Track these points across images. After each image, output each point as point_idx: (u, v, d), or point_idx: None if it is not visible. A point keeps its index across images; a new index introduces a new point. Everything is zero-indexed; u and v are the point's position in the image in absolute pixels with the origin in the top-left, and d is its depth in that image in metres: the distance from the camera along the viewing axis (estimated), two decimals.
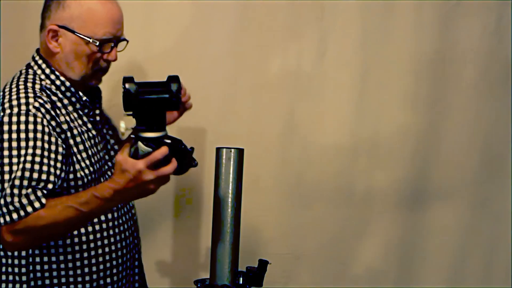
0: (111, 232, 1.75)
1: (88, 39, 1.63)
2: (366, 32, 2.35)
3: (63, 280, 1.68)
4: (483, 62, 2.43)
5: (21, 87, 1.62)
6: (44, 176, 1.54)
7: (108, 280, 1.75)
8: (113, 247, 1.75)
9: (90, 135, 1.71)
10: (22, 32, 2.14)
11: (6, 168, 1.53)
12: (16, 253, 1.67)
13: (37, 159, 1.53)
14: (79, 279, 1.69)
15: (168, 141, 1.48)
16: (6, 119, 1.55)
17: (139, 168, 1.44)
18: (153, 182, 1.46)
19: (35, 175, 1.53)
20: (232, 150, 1.76)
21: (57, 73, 1.68)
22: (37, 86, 1.64)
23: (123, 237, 1.79)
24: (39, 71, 1.69)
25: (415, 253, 2.48)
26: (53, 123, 1.59)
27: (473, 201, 2.49)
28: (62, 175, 1.59)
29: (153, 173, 1.45)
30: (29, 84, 1.64)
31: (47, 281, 1.67)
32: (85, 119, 1.71)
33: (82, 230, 1.69)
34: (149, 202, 2.04)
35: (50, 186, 1.54)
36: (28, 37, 2.14)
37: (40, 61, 1.69)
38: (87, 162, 1.67)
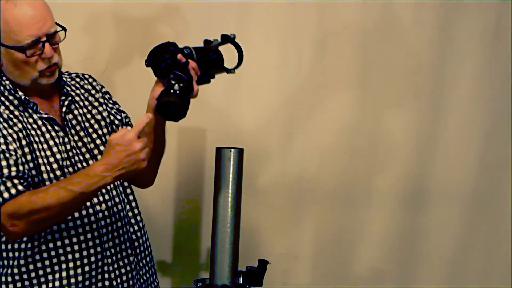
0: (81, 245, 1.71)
1: (15, 48, 1.63)
2: (366, 32, 2.35)
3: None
4: (483, 62, 2.43)
5: None
6: (13, 168, 1.57)
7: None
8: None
9: (39, 132, 1.69)
10: None
11: None
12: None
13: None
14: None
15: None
16: None
17: (129, 137, 1.53)
18: (142, 150, 1.54)
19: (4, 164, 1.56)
20: (232, 150, 1.76)
21: (4, 78, 1.69)
22: None
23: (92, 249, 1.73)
24: None
25: (415, 253, 2.48)
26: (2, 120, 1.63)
27: (473, 201, 2.49)
28: (26, 167, 1.62)
29: (142, 140, 1.54)
30: None
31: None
32: (34, 116, 1.70)
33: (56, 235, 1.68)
34: (149, 202, 2.05)
35: (21, 174, 1.58)
36: None
37: None
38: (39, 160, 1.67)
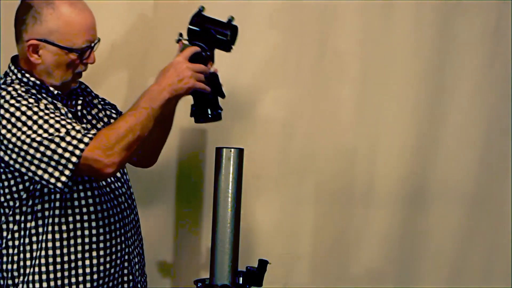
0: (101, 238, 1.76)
1: (68, 49, 1.69)
2: (366, 32, 2.35)
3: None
4: (483, 62, 2.43)
5: (3, 86, 1.68)
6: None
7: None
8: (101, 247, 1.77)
9: None
10: None
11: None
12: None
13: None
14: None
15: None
16: (6, 105, 1.61)
17: (179, 59, 1.70)
18: (189, 68, 1.69)
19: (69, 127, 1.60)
20: (232, 150, 1.76)
21: (27, 75, 1.72)
22: (17, 86, 1.69)
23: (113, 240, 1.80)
24: (18, 75, 1.73)
25: (415, 253, 2.48)
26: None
27: (473, 201, 2.49)
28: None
29: (189, 64, 1.71)
30: (8, 82, 1.71)
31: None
32: (65, 109, 1.74)
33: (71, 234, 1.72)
34: (149, 202, 2.05)
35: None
36: None
37: (15, 70, 1.74)
38: None
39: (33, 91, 1.68)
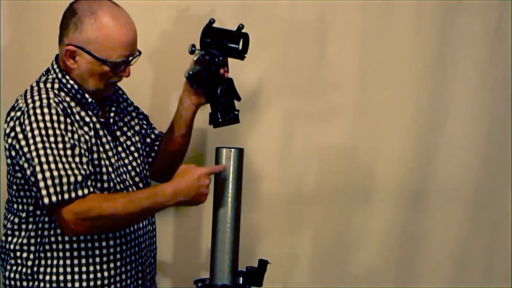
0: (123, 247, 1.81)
1: (103, 61, 1.71)
2: (366, 32, 2.35)
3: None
4: (483, 62, 2.43)
5: (41, 85, 1.72)
6: (85, 166, 1.65)
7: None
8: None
9: (97, 134, 1.76)
10: (22, 32, 2.14)
11: (43, 159, 1.60)
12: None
13: (69, 152, 1.63)
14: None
15: (207, 57, 1.82)
16: (30, 111, 1.63)
17: (201, 172, 1.69)
18: (207, 187, 1.70)
19: (72, 177, 1.61)
20: (232, 150, 1.76)
21: (67, 77, 1.75)
22: (56, 86, 1.73)
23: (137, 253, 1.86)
24: (59, 75, 1.76)
25: (415, 253, 2.48)
26: (68, 119, 1.68)
27: (473, 201, 2.49)
28: (90, 166, 1.69)
29: (209, 179, 1.71)
30: (49, 85, 1.73)
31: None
32: (94, 119, 1.76)
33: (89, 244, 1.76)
34: None
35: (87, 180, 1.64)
36: (28, 37, 2.15)
37: (57, 70, 1.77)
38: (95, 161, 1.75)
39: (65, 103, 1.69)
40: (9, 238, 1.78)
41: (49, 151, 1.60)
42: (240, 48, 1.85)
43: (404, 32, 2.36)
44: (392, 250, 2.46)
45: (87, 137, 1.71)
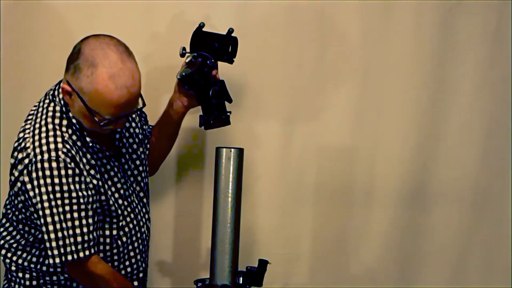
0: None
1: (93, 113, 1.67)
2: (366, 32, 2.34)
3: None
4: (483, 62, 2.43)
5: (50, 125, 1.70)
6: (86, 237, 1.70)
7: None
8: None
9: (104, 170, 1.80)
10: (22, 32, 2.14)
11: (49, 219, 1.66)
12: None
13: (76, 218, 1.68)
14: None
15: (199, 59, 1.82)
16: (38, 165, 1.64)
17: None
18: None
19: (79, 239, 1.69)
20: (232, 150, 1.76)
21: (70, 114, 1.74)
22: (64, 122, 1.72)
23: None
24: (63, 108, 1.74)
25: (415, 253, 2.48)
26: (77, 170, 1.70)
27: (473, 201, 2.49)
28: (96, 219, 1.75)
29: None
30: (57, 121, 1.71)
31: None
32: (100, 155, 1.78)
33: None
34: (150, 202, 2.05)
35: (91, 243, 1.72)
36: (28, 37, 2.15)
37: (63, 101, 1.74)
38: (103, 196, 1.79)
39: (74, 151, 1.69)
40: (12, 251, 1.82)
41: (55, 210, 1.65)
42: (229, 51, 1.86)
43: (404, 32, 2.36)
44: (392, 250, 2.46)
45: (94, 181, 1.74)
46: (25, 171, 1.65)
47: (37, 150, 1.66)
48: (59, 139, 1.68)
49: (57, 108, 1.73)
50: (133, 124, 1.93)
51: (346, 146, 2.39)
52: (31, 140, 1.68)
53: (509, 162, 2.50)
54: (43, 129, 1.69)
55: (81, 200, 1.67)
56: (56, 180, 1.64)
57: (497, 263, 2.54)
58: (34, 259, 1.79)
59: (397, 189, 2.42)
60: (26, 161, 1.65)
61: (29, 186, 1.65)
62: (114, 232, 1.81)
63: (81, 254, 1.68)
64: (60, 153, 1.66)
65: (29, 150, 1.67)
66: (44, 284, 1.80)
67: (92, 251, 1.71)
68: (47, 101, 1.76)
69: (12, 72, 2.15)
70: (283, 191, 2.37)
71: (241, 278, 1.79)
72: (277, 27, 2.29)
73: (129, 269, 1.87)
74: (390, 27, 2.35)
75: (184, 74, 1.82)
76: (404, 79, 2.38)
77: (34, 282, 1.80)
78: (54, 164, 1.64)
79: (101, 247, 1.80)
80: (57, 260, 1.67)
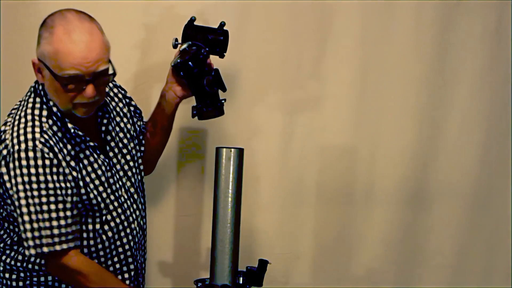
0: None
1: (55, 76, 1.64)
2: (366, 32, 2.35)
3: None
4: (483, 62, 2.43)
5: (29, 116, 1.69)
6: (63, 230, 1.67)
7: None
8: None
9: (87, 162, 1.76)
10: (22, 32, 2.14)
11: (24, 210, 1.64)
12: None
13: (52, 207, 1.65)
14: None
15: (194, 47, 1.82)
16: (15, 155, 1.63)
17: None
18: None
19: (55, 232, 1.66)
20: (232, 150, 1.76)
21: (51, 102, 1.72)
22: (45, 113, 1.71)
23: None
24: (43, 98, 1.73)
25: (415, 253, 2.48)
26: (55, 160, 1.67)
27: (473, 201, 2.49)
28: (75, 212, 1.71)
29: None
30: (37, 111, 1.71)
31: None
32: (82, 146, 1.75)
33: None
34: (149, 202, 2.05)
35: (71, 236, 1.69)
36: (28, 37, 2.14)
37: (42, 92, 1.74)
38: (90, 186, 1.76)
39: (52, 141, 1.67)
40: (7, 252, 1.81)
41: (30, 201, 1.63)
42: (221, 43, 1.86)
43: (404, 32, 2.36)
44: (392, 250, 2.46)
45: (74, 173, 1.71)
46: (3, 162, 1.64)
47: (15, 141, 1.64)
48: (37, 129, 1.66)
49: (38, 99, 1.72)
50: (125, 120, 1.90)
51: (346, 146, 2.39)
52: (10, 131, 1.67)
53: (509, 162, 2.50)
54: (22, 120, 1.68)
55: (58, 192, 1.65)
56: (33, 170, 1.62)
57: (497, 263, 2.54)
58: (20, 257, 1.77)
59: (397, 189, 2.43)
60: (5, 152, 1.64)
61: (6, 178, 1.63)
62: (98, 226, 1.77)
63: (57, 247, 1.65)
64: (37, 142, 1.64)
65: (7, 142, 1.65)
66: (30, 285, 1.78)
67: (71, 244, 1.67)
68: (28, 93, 1.76)
69: (12, 72, 2.15)
70: (283, 191, 2.38)
71: (241, 278, 1.79)
72: (278, 26, 2.29)
73: (117, 265, 1.83)
74: (390, 27, 2.35)
75: (179, 61, 1.81)
76: (404, 79, 2.39)
77: (21, 283, 1.78)
78: (30, 154, 1.62)
79: (85, 242, 1.77)
80: (32, 251, 1.64)
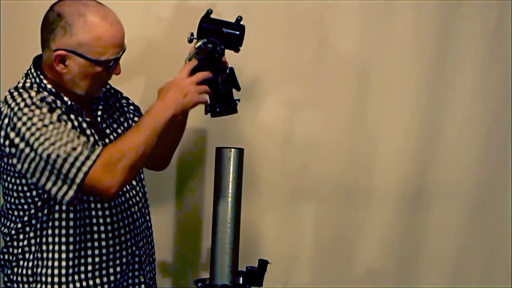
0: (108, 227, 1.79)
1: (96, 62, 1.69)
2: (366, 32, 2.35)
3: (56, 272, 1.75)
4: (483, 61, 2.43)
5: (21, 90, 1.69)
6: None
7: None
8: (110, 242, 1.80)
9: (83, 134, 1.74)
10: (22, 32, 2.14)
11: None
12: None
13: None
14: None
15: (209, 45, 1.80)
16: (19, 113, 1.62)
17: (181, 75, 1.73)
18: (192, 83, 1.72)
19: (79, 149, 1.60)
20: (232, 150, 1.76)
21: (45, 81, 1.73)
22: (35, 88, 1.71)
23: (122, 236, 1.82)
24: (37, 79, 1.74)
25: (415, 253, 2.48)
26: (54, 106, 1.67)
27: (473, 201, 2.49)
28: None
29: (192, 78, 1.73)
30: (28, 85, 1.72)
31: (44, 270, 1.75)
32: (79, 118, 1.74)
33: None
34: (149, 202, 2.05)
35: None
36: (28, 37, 2.15)
37: (35, 74, 1.75)
38: None
39: (49, 99, 1.68)
40: (9, 243, 1.78)
41: (42, 138, 1.58)
42: (237, 38, 1.84)
43: (404, 32, 2.36)
44: (392, 250, 2.46)
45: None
46: (8, 129, 1.62)
47: (13, 105, 1.64)
48: (32, 93, 1.66)
49: (28, 81, 1.73)
50: (117, 113, 1.90)
51: (346, 146, 2.39)
52: (6, 106, 1.66)
53: (509, 162, 2.50)
54: (15, 94, 1.68)
55: (68, 126, 1.63)
56: (41, 116, 1.60)
57: (497, 263, 2.54)
58: (32, 241, 1.75)
59: (397, 189, 2.43)
60: (6, 120, 1.63)
61: (17, 140, 1.60)
62: (93, 205, 1.75)
63: (93, 157, 1.58)
64: (35, 99, 1.64)
65: (4, 111, 1.65)
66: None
67: (98, 151, 1.60)
68: (19, 79, 1.77)
69: (12, 72, 2.15)
70: (283, 191, 2.38)
71: (241, 278, 1.79)
72: (278, 26, 2.29)
73: (117, 248, 1.80)
74: (390, 27, 2.35)
75: (195, 59, 1.81)
76: (404, 79, 2.39)
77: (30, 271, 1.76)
78: (32, 107, 1.61)
79: (80, 222, 1.74)
80: (71, 192, 1.58)
